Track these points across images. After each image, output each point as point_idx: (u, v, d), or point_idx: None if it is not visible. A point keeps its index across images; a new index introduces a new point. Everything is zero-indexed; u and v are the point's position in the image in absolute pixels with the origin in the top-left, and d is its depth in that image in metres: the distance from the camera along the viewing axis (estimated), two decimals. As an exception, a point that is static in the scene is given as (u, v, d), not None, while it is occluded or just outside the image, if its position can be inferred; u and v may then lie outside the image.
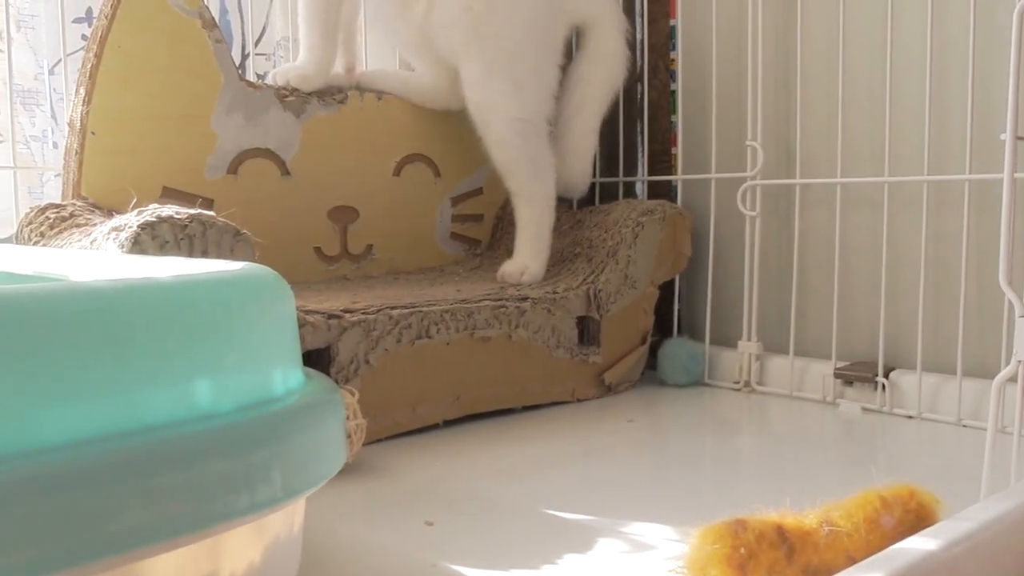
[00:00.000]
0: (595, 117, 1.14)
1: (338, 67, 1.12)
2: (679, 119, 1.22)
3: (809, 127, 1.07)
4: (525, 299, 0.95)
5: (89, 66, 0.88)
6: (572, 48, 1.17)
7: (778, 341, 1.08)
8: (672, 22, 1.23)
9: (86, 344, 0.37)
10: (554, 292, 0.99)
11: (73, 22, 1.17)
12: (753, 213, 1.08)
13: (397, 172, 1.11)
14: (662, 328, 1.16)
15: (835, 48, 1.02)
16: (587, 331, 1.03)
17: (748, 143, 1.08)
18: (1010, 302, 0.60)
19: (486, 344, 0.91)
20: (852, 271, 1.04)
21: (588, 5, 1.13)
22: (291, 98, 1.01)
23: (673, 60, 1.24)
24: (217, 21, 0.97)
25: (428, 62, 1.12)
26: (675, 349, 1.11)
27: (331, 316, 0.79)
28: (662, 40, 1.26)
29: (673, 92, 1.24)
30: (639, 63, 1.24)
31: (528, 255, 1.05)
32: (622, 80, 1.15)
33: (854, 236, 1.04)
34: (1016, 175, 0.75)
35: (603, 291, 1.03)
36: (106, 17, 0.89)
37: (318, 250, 1.04)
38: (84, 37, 1.18)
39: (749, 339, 1.08)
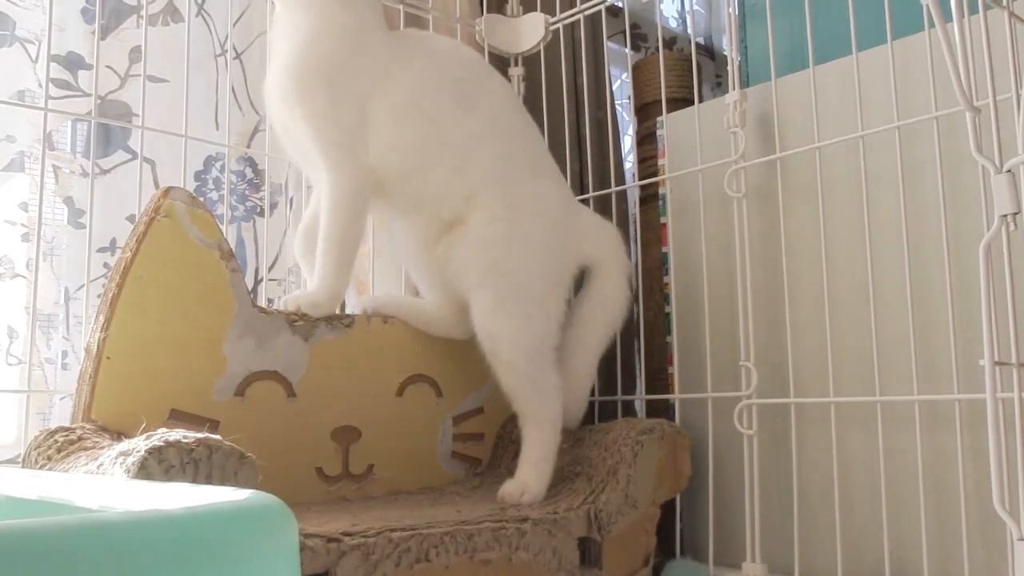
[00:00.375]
0: (593, 356, 1.17)
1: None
2: (674, 340, 1.26)
3: (800, 347, 1.11)
4: (525, 520, 0.95)
5: (110, 295, 0.93)
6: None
7: (783, 560, 1.06)
8: (664, 249, 1.30)
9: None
10: (555, 512, 0.99)
11: (97, 251, 1.24)
12: (750, 432, 1.10)
13: (400, 392, 1.14)
14: (664, 548, 1.15)
15: (819, 270, 1.07)
16: (588, 553, 1.02)
17: (742, 363, 1.11)
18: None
19: (486, 567, 0.90)
20: (852, 489, 1.04)
21: (595, 249, 1.19)
22: (300, 323, 1.05)
23: (666, 284, 1.29)
24: (233, 250, 1.02)
25: (438, 291, 1.17)
26: (678, 572, 1.09)
27: (330, 539, 0.78)
28: (656, 264, 1.33)
29: (668, 314, 1.29)
30: (634, 286, 1.29)
31: (531, 476, 1.05)
32: (621, 322, 1.18)
33: (851, 454, 1.05)
34: (1000, 396, 0.77)
35: (604, 511, 1.02)
36: (130, 249, 0.94)
37: (319, 470, 1.05)
38: (107, 265, 1.24)
39: (753, 560, 1.06)
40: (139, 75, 1.26)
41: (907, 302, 0.98)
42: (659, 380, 1.36)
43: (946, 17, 0.77)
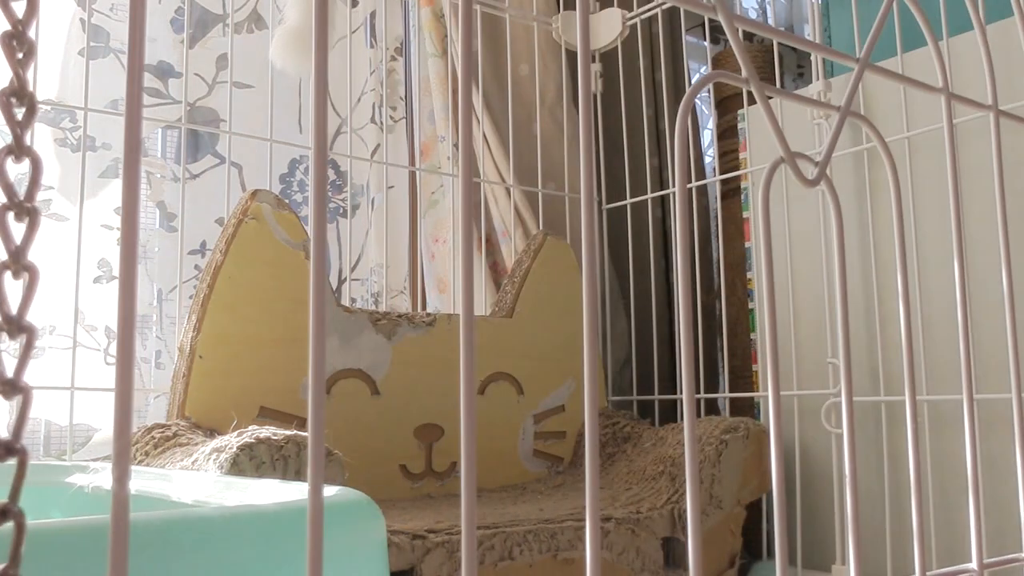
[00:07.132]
0: None
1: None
2: (759, 336, 1.24)
3: (890, 344, 1.07)
4: (608, 519, 0.94)
5: (201, 296, 0.96)
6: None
7: (875, 563, 1.03)
8: (747, 244, 1.28)
9: (190, 571, 0.39)
10: (638, 512, 0.98)
11: (188, 254, 1.28)
12: (839, 431, 1.07)
13: (481, 391, 1.14)
14: (751, 550, 1.13)
15: (910, 264, 1.04)
16: (672, 553, 1.01)
17: (829, 360, 1.09)
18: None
19: (569, 566, 0.90)
20: (948, 490, 1.01)
21: None
22: (383, 321, 1.06)
23: (750, 279, 1.27)
24: (318, 252, 1.04)
25: None
26: (765, 574, 1.07)
27: (415, 536, 0.79)
28: (738, 260, 1.30)
29: (751, 310, 1.27)
30: (716, 281, 1.28)
31: None
32: None
33: (947, 454, 1.01)
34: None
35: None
36: (220, 251, 0.97)
37: (403, 468, 1.06)
38: (197, 267, 1.28)
39: (843, 563, 1.04)
40: (226, 82, 1.29)
41: (1003, 297, 0.94)
42: (743, 378, 1.33)
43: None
